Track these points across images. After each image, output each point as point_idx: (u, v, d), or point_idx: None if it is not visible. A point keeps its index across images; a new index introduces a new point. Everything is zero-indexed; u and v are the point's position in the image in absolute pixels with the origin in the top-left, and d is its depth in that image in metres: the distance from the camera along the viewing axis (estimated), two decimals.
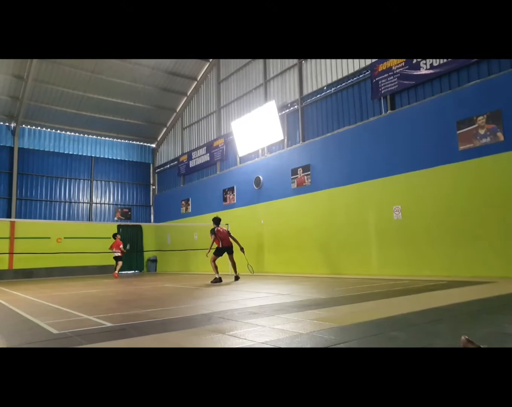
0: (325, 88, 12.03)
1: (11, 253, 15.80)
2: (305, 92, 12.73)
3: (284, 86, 13.55)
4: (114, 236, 14.43)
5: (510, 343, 2.53)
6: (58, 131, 18.26)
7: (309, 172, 12.04)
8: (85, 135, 18.91)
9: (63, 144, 18.38)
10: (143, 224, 19.41)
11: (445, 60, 8.89)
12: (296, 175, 12.45)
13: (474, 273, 7.97)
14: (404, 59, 9.71)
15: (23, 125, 17.36)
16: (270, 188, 13.38)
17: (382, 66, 10.27)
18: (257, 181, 13.90)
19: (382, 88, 10.23)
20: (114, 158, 19.72)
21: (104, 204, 19.20)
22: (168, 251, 17.96)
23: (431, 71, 9.20)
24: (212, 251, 9.72)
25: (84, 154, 18.84)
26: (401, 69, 9.83)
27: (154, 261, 19.28)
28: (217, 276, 9.12)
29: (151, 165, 21.03)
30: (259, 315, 4.03)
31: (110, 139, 19.66)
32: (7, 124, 17.05)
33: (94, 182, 19.00)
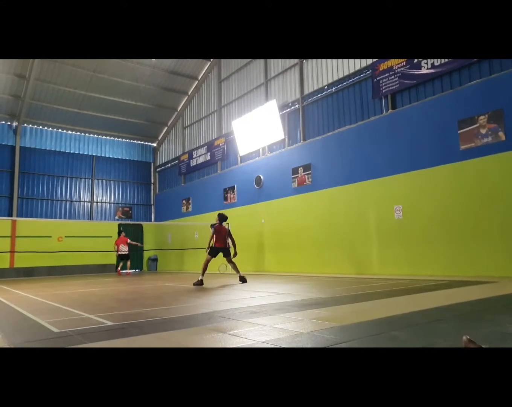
0: (326, 87, 12.02)
1: (12, 252, 15.83)
2: (306, 92, 12.72)
3: (285, 86, 13.54)
4: (119, 232, 14.42)
5: (511, 343, 2.52)
6: (60, 130, 18.28)
7: (309, 172, 12.03)
8: (87, 135, 18.93)
9: (65, 143, 18.40)
10: (144, 223, 19.44)
11: (446, 59, 8.87)
12: (297, 175, 12.44)
13: (475, 272, 7.95)
14: (405, 59, 9.70)
15: (25, 124, 17.37)
16: (271, 187, 13.38)
17: (383, 66, 10.26)
18: (258, 181, 13.90)
19: (383, 87, 10.21)
20: (115, 157, 19.74)
21: (105, 202, 19.22)
22: (169, 250, 17.97)
23: (432, 70, 9.19)
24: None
25: (85, 153, 18.86)
26: (402, 68, 9.81)
27: (154, 260, 19.30)
28: (200, 278, 8.29)
29: (152, 164, 21.05)
30: (260, 314, 4.03)
31: (111, 138, 19.68)
32: (9, 123, 17.07)
33: (95, 181, 19.02)
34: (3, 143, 16.88)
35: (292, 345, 2.61)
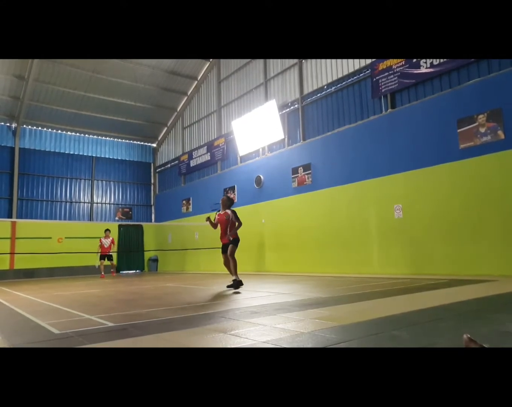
0: (325, 87, 12.02)
1: (12, 253, 15.82)
2: (305, 91, 12.72)
3: (284, 86, 13.55)
4: (107, 231, 14.30)
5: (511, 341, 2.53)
6: (59, 131, 18.26)
7: (309, 171, 12.04)
8: (86, 135, 18.91)
9: (64, 144, 18.39)
10: (144, 224, 19.42)
11: (445, 59, 8.88)
12: (297, 175, 12.44)
13: (476, 271, 7.96)
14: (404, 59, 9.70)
15: (24, 126, 17.36)
16: (271, 187, 13.38)
17: (382, 65, 10.26)
18: (258, 181, 13.90)
19: (383, 87, 10.22)
20: (115, 158, 19.73)
21: (105, 203, 19.21)
22: (169, 250, 17.96)
23: (431, 69, 9.19)
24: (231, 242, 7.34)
25: (85, 154, 18.84)
26: (401, 68, 9.81)
27: (155, 260, 19.29)
28: (237, 278, 6.82)
29: (152, 165, 21.04)
30: (260, 314, 4.03)
31: (111, 139, 19.67)
32: (8, 124, 17.06)
33: (95, 182, 19.01)
34: (2, 145, 16.85)
35: (293, 345, 2.61)
